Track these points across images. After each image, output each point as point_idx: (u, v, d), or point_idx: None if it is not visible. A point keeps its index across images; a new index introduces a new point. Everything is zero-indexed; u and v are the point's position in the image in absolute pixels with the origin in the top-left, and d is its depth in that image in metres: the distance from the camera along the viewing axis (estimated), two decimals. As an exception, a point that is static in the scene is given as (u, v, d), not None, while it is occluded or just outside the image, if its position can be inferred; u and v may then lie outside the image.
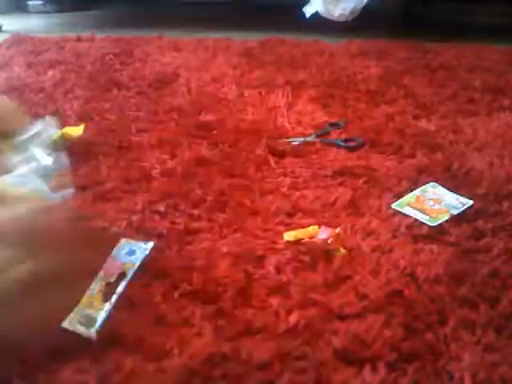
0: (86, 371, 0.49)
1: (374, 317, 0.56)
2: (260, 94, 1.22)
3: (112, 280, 0.59)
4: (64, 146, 0.85)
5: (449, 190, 0.80)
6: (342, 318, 0.56)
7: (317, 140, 0.98)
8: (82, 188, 0.80)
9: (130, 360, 0.50)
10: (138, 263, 0.62)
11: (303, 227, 0.70)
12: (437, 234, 0.70)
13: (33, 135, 0.59)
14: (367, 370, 0.50)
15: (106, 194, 0.79)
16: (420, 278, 0.62)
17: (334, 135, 1.02)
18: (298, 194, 0.80)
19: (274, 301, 0.58)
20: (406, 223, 0.72)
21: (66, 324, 0.53)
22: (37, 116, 1.06)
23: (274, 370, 0.50)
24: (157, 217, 0.74)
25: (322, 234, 0.67)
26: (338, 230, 0.67)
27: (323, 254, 0.65)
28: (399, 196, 0.79)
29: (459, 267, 0.64)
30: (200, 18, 2.08)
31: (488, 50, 1.58)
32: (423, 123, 1.06)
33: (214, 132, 1.01)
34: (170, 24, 1.93)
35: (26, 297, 0.43)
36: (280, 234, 0.69)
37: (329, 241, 0.65)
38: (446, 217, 0.73)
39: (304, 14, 1.71)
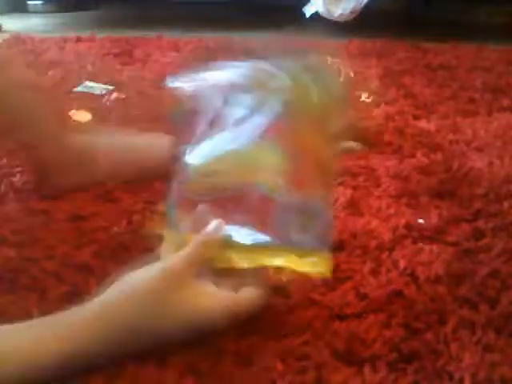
0: (91, 373, 0.49)
1: (374, 317, 0.56)
2: (260, 94, 1.22)
3: None
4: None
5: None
6: (341, 318, 0.56)
7: (317, 140, 0.98)
8: (81, 188, 0.80)
9: (132, 360, 0.50)
10: None
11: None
12: (437, 234, 0.71)
13: None
14: (367, 369, 0.50)
15: (106, 194, 0.79)
16: (420, 278, 0.62)
17: (334, 135, 1.02)
18: (297, 194, 0.80)
19: (274, 301, 0.58)
20: (405, 223, 0.72)
21: None
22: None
23: (275, 370, 0.50)
24: (157, 217, 0.74)
25: None
26: None
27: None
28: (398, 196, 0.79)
29: (459, 267, 0.64)
30: (200, 18, 2.08)
31: (488, 50, 1.58)
32: (423, 123, 1.06)
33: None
34: (170, 24, 1.93)
35: None
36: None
37: None
38: None
39: (304, 14, 1.71)
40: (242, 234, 0.56)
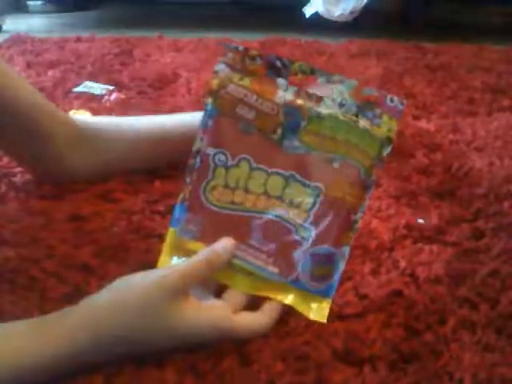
0: (92, 373, 0.49)
1: (374, 317, 0.56)
2: (260, 94, 1.22)
3: None
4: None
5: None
6: (341, 317, 0.56)
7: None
8: (81, 188, 0.80)
9: (132, 360, 0.50)
10: None
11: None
12: (437, 234, 0.71)
13: None
14: (367, 370, 0.50)
15: (106, 193, 0.79)
16: (420, 278, 0.62)
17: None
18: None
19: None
20: (405, 223, 0.72)
21: None
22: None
23: (276, 370, 0.50)
24: (157, 217, 0.74)
25: None
26: None
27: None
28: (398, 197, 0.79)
29: (459, 267, 0.64)
30: (200, 18, 2.08)
31: (488, 50, 1.58)
32: (423, 123, 1.06)
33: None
34: (170, 24, 1.93)
35: None
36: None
37: None
38: None
39: (304, 14, 1.71)
40: (251, 260, 0.55)
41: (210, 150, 0.56)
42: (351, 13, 1.69)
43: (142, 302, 0.49)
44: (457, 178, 0.84)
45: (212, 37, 1.73)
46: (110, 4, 2.41)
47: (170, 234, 0.57)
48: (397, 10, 2.07)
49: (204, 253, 0.53)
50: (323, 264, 0.55)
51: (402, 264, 0.64)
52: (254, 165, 0.55)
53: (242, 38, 1.70)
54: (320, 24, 1.70)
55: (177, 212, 0.56)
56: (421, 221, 0.73)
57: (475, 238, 0.70)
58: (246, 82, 0.55)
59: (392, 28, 1.84)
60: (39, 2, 2.35)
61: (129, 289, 0.50)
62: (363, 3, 1.68)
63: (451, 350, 0.52)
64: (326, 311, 0.54)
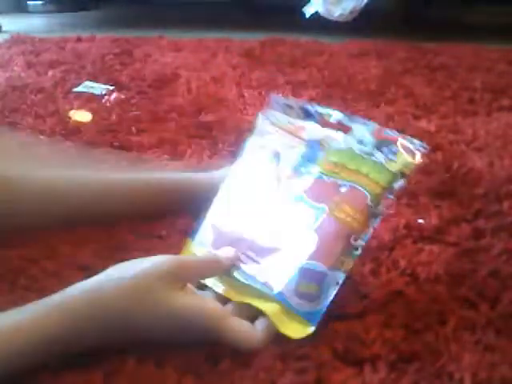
0: (91, 371, 0.49)
1: (374, 317, 0.56)
2: (260, 93, 1.22)
3: None
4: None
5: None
6: (341, 317, 0.56)
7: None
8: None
9: (132, 359, 0.50)
10: None
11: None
12: (437, 234, 0.71)
13: None
14: (367, 369, 0.50)
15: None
16: (420, 278, 0.62)
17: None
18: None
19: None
20: (406, 223, 0.72)
21: None
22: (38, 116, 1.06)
23: (275, 370, 0.50)
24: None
25: None
26: None
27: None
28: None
29: (459, 267, 0.64)
30: (200, 18, 2.09)
31: (488, 50, 1.58)
32: (423, 123, 1.06)
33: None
34: (170, 24, 1.93)
35: None
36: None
37: None
38: None
39: (304, 14, 1.71)
40: (245, 269, 0.57)
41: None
42: (351, 13, 1.69)
43: (139, 277, 0.50)
44: (457, 178, 0.84)
45: (212, 37, 1.73)
46: (110, 4, 2.42)
47: (187, 244, 0.62)
48: (397, 9, 2.07)
49: (206, 255, 0.57)
50: (310, 281, 0.54)
51: (402, 264, 0.64)
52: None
53: (242, 38, 1.71)
54: (320, 24, 1.70)
55: (197, 227, 0.62)
56: (421, 221, 0.73)
57: (475, 238, 0.70)
58: (281, 122, 0.64)
59: (392, 28, 1.84)
60: (39, 2, 2.35)
61: (129, 265, 0.52)
62: (363, 3, 1.68)
63: (451, 350, 0.52)
64: (305, 336, 0.53)
